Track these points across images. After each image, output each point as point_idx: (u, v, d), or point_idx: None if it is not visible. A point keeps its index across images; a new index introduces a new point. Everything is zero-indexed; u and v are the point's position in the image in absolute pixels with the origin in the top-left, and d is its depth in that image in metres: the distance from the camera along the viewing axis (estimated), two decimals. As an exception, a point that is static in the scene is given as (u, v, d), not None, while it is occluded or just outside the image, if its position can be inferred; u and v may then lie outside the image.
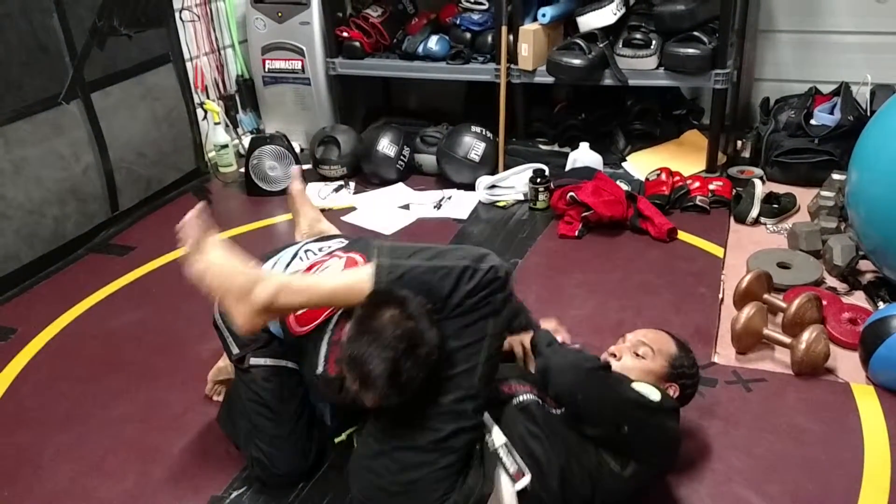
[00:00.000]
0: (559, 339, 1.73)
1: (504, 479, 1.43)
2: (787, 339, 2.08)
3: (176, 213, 3.37)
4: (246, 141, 3.66)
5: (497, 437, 1.47)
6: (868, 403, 1.95)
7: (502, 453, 1.45)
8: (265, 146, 3.37)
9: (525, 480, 1.42)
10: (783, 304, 2.21)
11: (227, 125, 3.74)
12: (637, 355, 1.68)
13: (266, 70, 3.79)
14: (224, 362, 2.05)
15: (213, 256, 1.49)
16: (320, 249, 1.80)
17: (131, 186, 3.22)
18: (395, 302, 1.36)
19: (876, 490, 1.68)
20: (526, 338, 1.78)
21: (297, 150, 3.59)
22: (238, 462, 1.87)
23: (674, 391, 1.65)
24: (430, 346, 1.35)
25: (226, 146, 3.64)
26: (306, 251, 1.81)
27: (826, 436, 1.85)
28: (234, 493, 1.78)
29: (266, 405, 1.75)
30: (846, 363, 2.10)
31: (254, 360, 1.75)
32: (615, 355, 1.71)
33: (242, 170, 3.49)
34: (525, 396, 1.56)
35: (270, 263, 1.80)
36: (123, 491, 1.82)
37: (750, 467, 1.75)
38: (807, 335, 2.01)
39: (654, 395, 1.51)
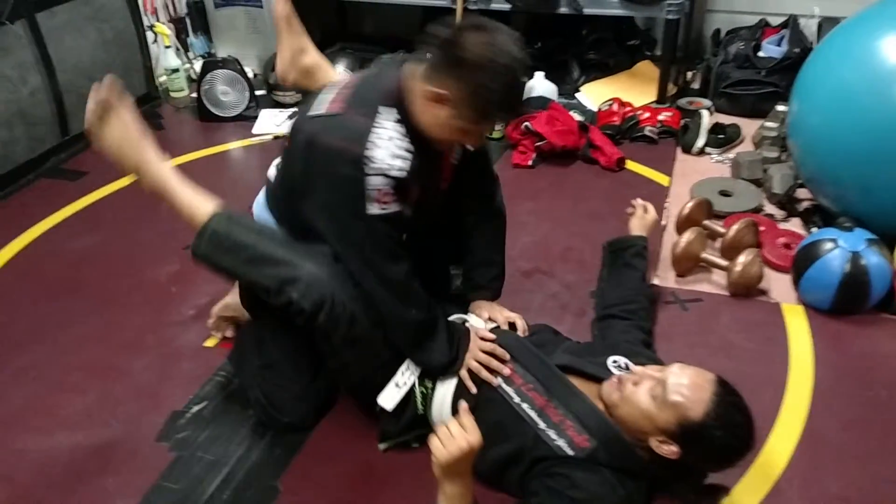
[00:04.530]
0: (519, 331, 1.74)
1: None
2: (723, 262, 2.20)
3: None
4: (197, 65, 3.60)
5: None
6: (796, 322, 2.08)
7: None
8: (217, 70, 3.32)
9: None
10: (722, 230, 2.32)
11: (177, 49, 3.67)
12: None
13: (217, -9, 3.70)
14: (233, 299, 1.98)
15: (112, 130, 1.60)
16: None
17: (81, 110, 3.11)
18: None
19: (797, 399, 1.83)
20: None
21: (251, 74, 3.55)
22: (199, 379, 1.94)
23: (671, 449, 1.36)
24: None
25: (177, 70, 3.58)
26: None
27: (755, 351, 1.99)
28: (195, 408, 1.85)
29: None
30: (779, 285, 2.22)
31: None
32: (636, 379, 1.44)
33: (194, 94, 3.45)
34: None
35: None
36: (85, 407, 1.87)
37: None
38: (742, 258, 2.12)
39: None
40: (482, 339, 1.62)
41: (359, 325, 1.52)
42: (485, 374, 1.56)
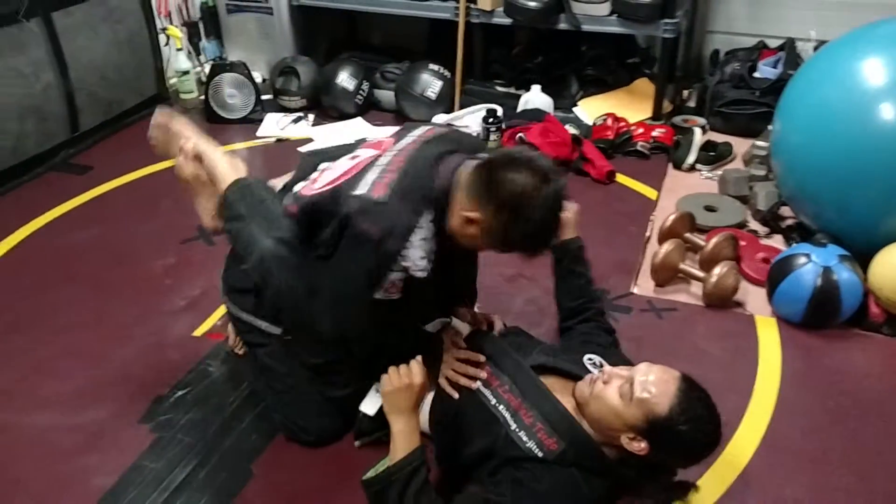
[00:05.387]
0: (496, 330, 1.81)
1: None
2: (700, 274, 2.25)
3: (135, 137, 3.48)
4: (208, 69, 3.70)
5: None
6: (768, 333, 2.13)
7: None
8: (225, 73, 3.42)
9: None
10: (702, 243, 2.37)
11: (189, 52, 3.78)
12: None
13: (229, -2, 3.81)
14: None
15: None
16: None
17: (92, 108, 3.27)
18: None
19: (762, 405, 1.88)
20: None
21: (259, 80, 3.65)
22: (185, 367, 2.01)
23: (640, 446, 1.42)
24: None
25: (187, 73, 3.69)
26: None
27: (725, 359, 2.04)
28: (179, 393, 1.93)
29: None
30: (755, 298, 2.27)
31: None
32: (605, 378, 1.49)
33: (203, 97, 3.55)
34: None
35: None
36: (70, 390, 1.95)
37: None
38: (718, 269, 2.18)
39: None
40: (458, 347, 1.68)
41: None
42: (462, 381, 1.62)
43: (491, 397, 1.57)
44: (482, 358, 1.64)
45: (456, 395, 1.62)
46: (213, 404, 1.89)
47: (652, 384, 1.41)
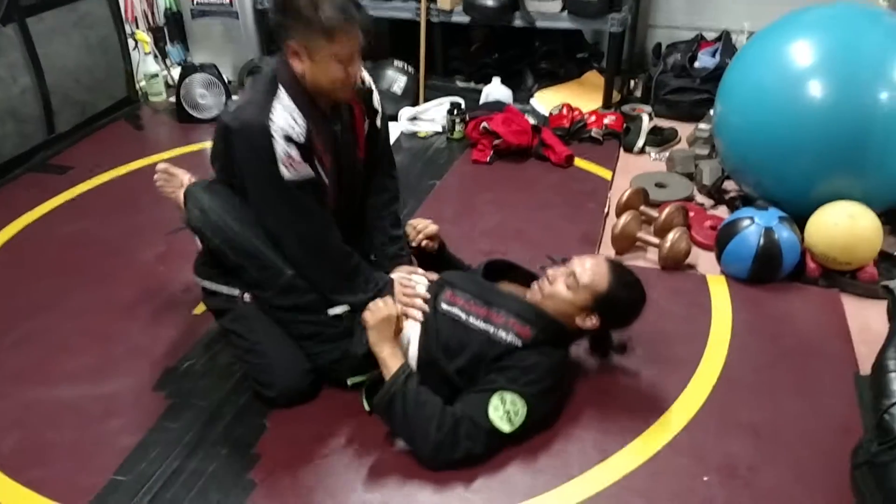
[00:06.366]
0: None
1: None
2: (655, 241, 2.49)
3: (110, 138, 3.59)
4: (175, 72, 3.82)
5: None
6: (719, 289, 2.37)
7: None
8: (196, 74, 3.55)
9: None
10: (656, 214, 2.61)
11: (156, 55, 3.89)
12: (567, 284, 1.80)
13: (194, 3, 3.93)
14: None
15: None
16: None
17: (67, 110, 3.36)
18: None
19: (716, 350, 2.11)
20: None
21: (226, 81, 3.77)
22: (189, 342, 2.16)
23: (592, 321, 1.80)
24: None
25: (156, 76, 3.80)
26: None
27: (682, 314, 2.27)
28: (187, 364, 2.07)
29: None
30: (705, 261, 2.52)
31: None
32: (549, 279, 1.83)
33: (172, 99, 3.67)
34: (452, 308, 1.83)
35: None
36: (86, 365, 2.08)
37: (616, 336, 2.10)
38: (671, 235, 2.42)
39: (505, 426, 1.69)
40: (403, 285, 1.92)
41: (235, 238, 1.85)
42: (411, 312, 1.86)
43: (460, 313, 1.81)
44: (425, 294, 1.88)
45: (420, 317, 1.84)
46: (221, 371, 2.04)
47: (589, 270, 1.80)
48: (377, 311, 1.76)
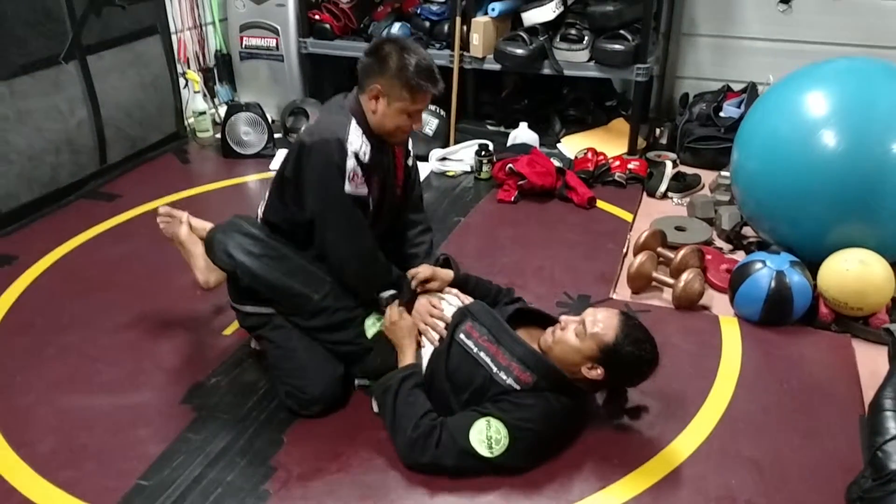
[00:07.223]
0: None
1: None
2: (670, 280, 2.55)
3: (157, 170, 3.80)
4: (222, 110, 4.04)
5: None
6: (730, 330, 2.43)
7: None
8: (241, 112, 3.75)
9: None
10: (672, 256, 2.68)
11: (205, 94, 4.11)
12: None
13: (243, 46, 4.17)
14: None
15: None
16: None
17: (119, 143, 3.58)
18: None
19: (723, 387, 2.16)
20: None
21: (270, 119, 3.97)
22: (217, 359, 2.28)
23: (597, 372, 1.81)
24: None
25: (203, 113, 4.02)
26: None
27: (692, 352, 2.33)
28: (213, 380, 2.19)
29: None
30: (720, 303, 2.58)
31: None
32: (562, 325, 1.87)
33: (218, 135, 3.88)
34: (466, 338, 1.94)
35: None
36: (119, 377, 2.21)
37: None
38: (685, 275, 2.49)
39: (483, 450, 1.76)
40: (434, 306, 2.07)
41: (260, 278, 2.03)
42: (430, 334, 2.02)
43: (473, 346, 1.90)
44: (447, 320, 2.01)
45: (436, 338, 1.98)
46: (245, 389, 2.16)
47: (599, 320, 1.82)
48: (393, 314, 1.98)
